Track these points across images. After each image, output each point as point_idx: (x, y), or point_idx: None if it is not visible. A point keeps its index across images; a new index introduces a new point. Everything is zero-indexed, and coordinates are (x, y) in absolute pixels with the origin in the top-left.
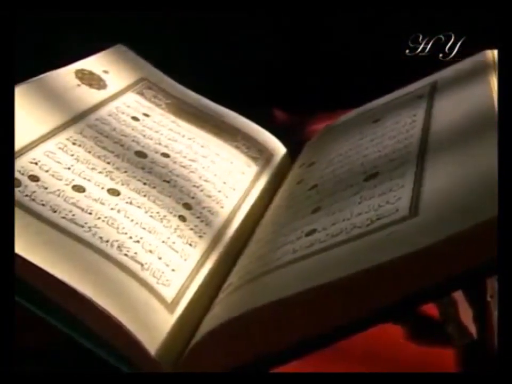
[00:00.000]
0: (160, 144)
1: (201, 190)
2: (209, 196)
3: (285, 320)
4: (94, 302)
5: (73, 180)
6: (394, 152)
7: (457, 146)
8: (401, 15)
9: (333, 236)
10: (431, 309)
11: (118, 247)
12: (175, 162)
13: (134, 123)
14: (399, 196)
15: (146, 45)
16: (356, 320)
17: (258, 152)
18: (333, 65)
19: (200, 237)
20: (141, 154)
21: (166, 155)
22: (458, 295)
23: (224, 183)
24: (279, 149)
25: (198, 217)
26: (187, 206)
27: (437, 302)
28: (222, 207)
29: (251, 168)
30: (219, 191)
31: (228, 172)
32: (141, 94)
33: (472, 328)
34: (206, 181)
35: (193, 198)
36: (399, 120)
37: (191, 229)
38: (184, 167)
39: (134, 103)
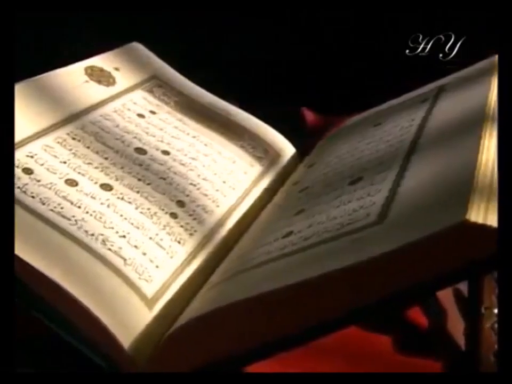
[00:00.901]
0: (162, 141)
1: (198, 189)
2: (206, 195)
3: (251, 319)
4: (72, 294)
5: (67, 174)
6: (384, 156)
7: (442, 145)
8: (401, 15)
9: (305, 239)
10: (420, 319)
11: (103, 241)
12: (174, 160)
13: (138, 120)
14: (374, 201)
15: (171, 43)
16: (321, 321)
17: (264, 152)
18: (333, 65)
19: (191, 234)
20: (140, 151)
21: (166, 152)
22: (450, 306)
23: (224, 182)
24: (287, 149)
25: (190, 215)
26: (180, 204)
27: (426, 312)
28: (217, 206)
29: (254, 168)
30: (217, 190)
31: (229, 171)
32: (150, 91)
33: (461, 340)
34: (204, 179)
35: (188, 195)
36: (397, 124)
37: (181, 226)
38: (183, 165)
39: (141, 100)
